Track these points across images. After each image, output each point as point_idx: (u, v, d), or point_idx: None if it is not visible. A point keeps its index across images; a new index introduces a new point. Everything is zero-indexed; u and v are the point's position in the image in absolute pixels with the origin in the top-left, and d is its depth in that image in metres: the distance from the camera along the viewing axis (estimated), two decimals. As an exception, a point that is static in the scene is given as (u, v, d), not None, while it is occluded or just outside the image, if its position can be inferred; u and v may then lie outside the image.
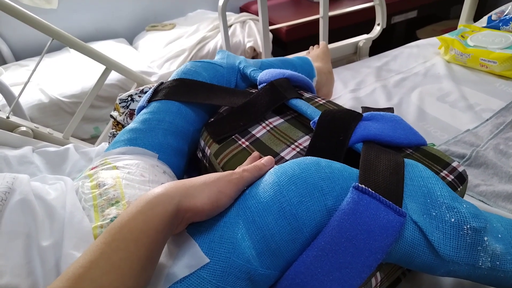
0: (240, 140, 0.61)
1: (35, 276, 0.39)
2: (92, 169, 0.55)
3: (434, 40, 1.43)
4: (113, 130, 0.86)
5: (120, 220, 0.36)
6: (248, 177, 0.44)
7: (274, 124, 0.63)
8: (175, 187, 0.40)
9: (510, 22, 1.25)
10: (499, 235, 0.44)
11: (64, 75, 1.84)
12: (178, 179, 0.64)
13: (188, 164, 0.71)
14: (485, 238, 0.42)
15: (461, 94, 1.08)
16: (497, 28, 1.29)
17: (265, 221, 0.41)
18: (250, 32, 2.17)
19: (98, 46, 2.11)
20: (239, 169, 0.45)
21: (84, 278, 0.32)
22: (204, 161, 0.65)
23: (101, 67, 1.13)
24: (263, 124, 0.63)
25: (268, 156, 0.49)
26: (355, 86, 1.20)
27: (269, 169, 0.46)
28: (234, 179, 0.43)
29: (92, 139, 1.68)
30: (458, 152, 0.85)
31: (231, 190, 0.42)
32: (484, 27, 1.33)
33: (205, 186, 0.41)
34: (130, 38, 2.45)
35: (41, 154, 0.84)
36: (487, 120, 0.96)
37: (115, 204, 0.47)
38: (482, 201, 0.73)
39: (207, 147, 0.64)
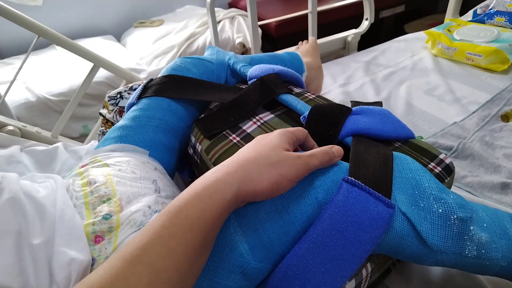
0: (231, 135, 0.61)
1: (26, 275, 0.39)
2: (82, 167, 0.55)
3: (421, 34, 1.44)
4: (103, 128, 0.85)
5: (178, 204, 0.36)
6: (315, 165, 0.42)
7: (265, 119, 0.63)
8: (234, 171, 0.38)
9: (495, 16, 1.27)
10: (485, 224, 0.45)
11: (51, 73, 1.81)
12: (170, 176, 0.63)
13: (180, 161, 0.71)
14: (471, 228, 0.43)
15: (448, 88, 1.10)
16: (482, 22, 1.30)
17: (257, 215, 0.41)
18: (239, 28, 2.16)
19: (86, 43, 2.08)
20: (306, 153, 0.42)
21: (140, 261, 0.31)
22: (195, 157, 0.65)
23: (89, 65, 1.12)
24: (254, 120, 0.63)
25: (339, 147, 0.46)
26: (344, 80, 1.21)
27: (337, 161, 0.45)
28: (299, 164, 0.40)
29: (81, 138, 1.66)
30: (446, 144, 0.87)
31: (293, 174, 0.40)
32: (470, 21, 1.35)
33: (266, 169, 0.39)
34: (118, 35, 2.42)
35: (30, 153, 0.83)
36: (473, 112, 0.98)
37: (106, 201, 0.47)
38: (469, 192, 0.75)
39: (198, 143, 0.64)
